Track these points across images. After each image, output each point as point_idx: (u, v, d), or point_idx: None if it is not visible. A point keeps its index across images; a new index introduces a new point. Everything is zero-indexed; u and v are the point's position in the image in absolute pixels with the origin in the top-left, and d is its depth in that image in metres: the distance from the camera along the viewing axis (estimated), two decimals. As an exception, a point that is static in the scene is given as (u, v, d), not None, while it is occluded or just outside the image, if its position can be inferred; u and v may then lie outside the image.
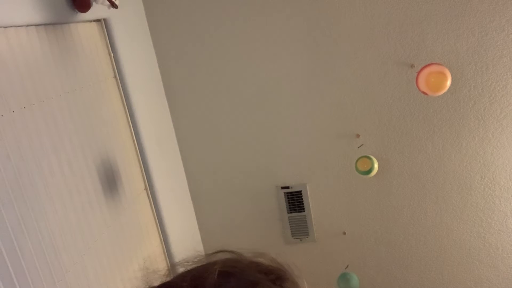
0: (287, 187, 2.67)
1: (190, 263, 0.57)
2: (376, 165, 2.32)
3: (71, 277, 1.59)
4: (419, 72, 2.10)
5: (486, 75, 2.28)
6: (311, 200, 2.68)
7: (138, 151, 2.21)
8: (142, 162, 2.22)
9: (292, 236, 2.76)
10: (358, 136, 2.50)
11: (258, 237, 2.78)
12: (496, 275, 2.63)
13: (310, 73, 2.44)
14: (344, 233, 2.71)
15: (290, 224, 2.74)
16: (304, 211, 2.69)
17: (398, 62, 2.33)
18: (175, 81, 2.55)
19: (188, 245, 2.62)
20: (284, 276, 0.53)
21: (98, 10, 1.86)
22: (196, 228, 2.83)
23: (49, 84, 1.62)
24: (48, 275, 1.47)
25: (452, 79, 2.10)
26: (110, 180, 1.93)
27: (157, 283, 0.55)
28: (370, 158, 2.33)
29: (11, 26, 1.45)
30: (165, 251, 2.34)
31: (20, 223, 1.37)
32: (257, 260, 0.56)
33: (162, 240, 2.33)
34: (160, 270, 0.59)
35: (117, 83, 2.10)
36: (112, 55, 2.06)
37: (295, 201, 2.68)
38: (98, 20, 2.00)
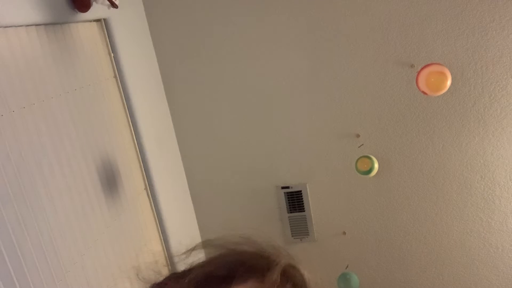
0: (287, 187, 2.67)
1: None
2: (376, 165, 2.32)
3: (71, 277, 1.59)
4: (419, 72, 2.10)
5: (486, 75, 2.28)
6: (311, 200, 2.68)
7: (138, 151, 2.21)
8: (142, 162, 2.22)
9: (292, 236, 2.76)
10: (358, 136, 2.50)
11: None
12: (496, 275, 2.63)
13: (310, 73, 2.44)
14: (344, 233, 2.71)
15: (290, 224, 2.74)
16: (304, 211, 2.69)
17: (398, 62, 2.33)
18: (175, 81, 2.55)
19: (188, 245, 2.62)
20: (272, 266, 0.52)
21: (98, 10, 1.86)
22: (196, 228, 2.83)
23: (49, 84, 1.62)
24: (48, 275, 1.47)
25: (452, 79, 2.10)
26: (110, 180, 1.93)
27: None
28: (370, 158, 2.33)
29: (11, 26, 1.45)
30: (165, 251, 2.34)
31: (20, 223, 1.37)
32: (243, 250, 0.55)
33: (162, 240, 2.33)
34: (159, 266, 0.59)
35: (117, 83, 2.10)
36: (112, 55, 2.06)
37: (295, 201, 2.68)
38: (98, 20, 2.00)
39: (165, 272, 0.57)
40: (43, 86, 1.58)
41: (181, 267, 0.57)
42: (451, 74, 2.09)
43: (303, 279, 0.54)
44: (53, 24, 1.67)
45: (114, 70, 2.08)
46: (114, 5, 1.80)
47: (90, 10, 1.75)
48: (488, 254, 2.59)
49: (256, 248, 0.55)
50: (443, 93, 2.14)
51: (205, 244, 0.57)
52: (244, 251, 0.54)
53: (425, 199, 2.56)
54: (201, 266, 0.54)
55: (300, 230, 2.74)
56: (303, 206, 2.69)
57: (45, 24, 1.62)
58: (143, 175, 2.24)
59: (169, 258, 2.35)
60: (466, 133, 2.40)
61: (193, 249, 0.58)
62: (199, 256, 0.57)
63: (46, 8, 1.58)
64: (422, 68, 2.09)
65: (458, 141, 2.42)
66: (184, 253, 0.59)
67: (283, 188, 2.67)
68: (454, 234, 2.60)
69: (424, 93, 2.11)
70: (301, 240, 2.76)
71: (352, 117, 2.47)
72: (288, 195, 2.68)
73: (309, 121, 2.52)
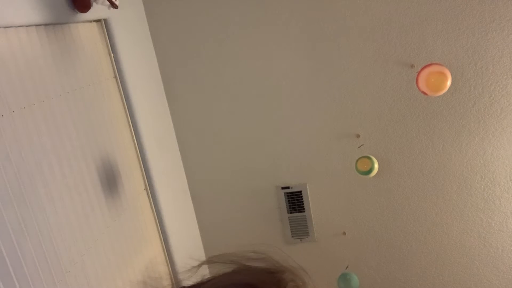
0: (287, 187, 2.67)
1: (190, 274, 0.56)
2: (376, 165, 2.32)
3: (71, 277, 1.59)
4: (419, 72, 2.10)
5: (486, 75, 2.28)
6: (311, 200, 2.68)
7: (138, 151, 2.21)
8: (142, 162, 2.22)
9: (292, 236, 2.76)
10: (358, 136, 2.50)
11: (258, 237, 2.78)
12: (496, 275, 2.63)
13: (310, 73, 2.44)
14: (344, 233, 2.71)
15: (290, 224, 2.73)
16: (304, 211, 2.69)
17: (398, 62, 2.33)
18: (175, 81, 2.55)
19: (188, 245, 2.62)
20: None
21: (98, 10, 1.86)
22: (196, 228, 2.83)
23: (49, 84, 1.62)
24: (48, 275, 1.47)
25: (452, 79, 2.10)
26: (110, 180, 1.93)
27: None
28: (370, 158, 2.33)
29: (11, 26, 1.45)
30: (165, 251, 2.34)
31: (20, 223, 1.37)
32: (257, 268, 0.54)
33: (162, 240, 2.33)
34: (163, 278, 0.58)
35: (117, 83, 2.10)
36: (112, 55, 2.06)
37: (295, 201, 2.68)
38: (98, 20, 2.00)
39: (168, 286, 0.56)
40: (43, 86, 1.58)
41: (188, 281, 0.56)
42: (451, 74, 2.09)
43: None
44: (53, 24, 1.67)
45: (114, 70, 2.08)
46: (114, 6, 1.80)
47: (90, 10, 1.75)
48: (488, 254, 2.59)
49: (269, 265, 0.54)
50: (443, 93, 2.14)
51: (215, 259, 0.56)
52: (254, 269, 0.54)
53: (425, 199, 2.56)
54: (210, 282, 0.53)
55: (300, 230, 2.74)
56: (303, 206, 2.69)
57: (45, 24, 1.62)
58: (143, 175, 2.24)
59: (169, 257, 2.35)
60: (466, 133, 2.40)
61: (203, 264, 0.57)
62: (206, 271, 0.56)
63: (46, 9, 1.58)
64: (422, 68, 2.09)
65: (458, 141, 2.42)
66: (193, 268, 0.58)
67: (283, 188, 2.67)
68: (454, 234, 2.60)
69: (424, 93, 2.11)
70: (301, 240, 2.76)
71: (352, 117, 2.47)
72: (288, 195, 2.68)
73: (309, 121, 2.52)
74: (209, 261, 0.56)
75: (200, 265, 0.57)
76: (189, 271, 0.57)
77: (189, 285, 0.55)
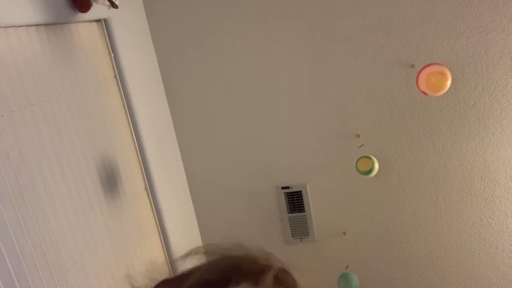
0: (287, 187, 2.67)
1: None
2: (376, 165, 2.32)
3: (71, 277, 1.59)
4: (419, 72, 2.10)
5: (486, 75, 2.28)
6: (311, 200, 2.68)
7: (138, 151, 2.21)
8: (142, 162, 2.22)
9: (292, 236, 2.76)
10: (358, 136, 2.50)
11: (258, 237, 2.78)
12: (496, 275, 2.63)
13: (310, 73, 2.44)
14: (344, 233, 2.71)
15: (290, 224, 2.74)
16: (304, 211, 2.69)
17: (398, 62, 2.33)
18: (175, 81, 2.55)
19: (188, 245, 2.62)
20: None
21: (98, 10, 1.86)
22: (196, 228, 2.83)
23: (49, 84, 1.62)
24: (48, 275, 1.47)
25: (452, 79, 2.10)
26: (110, 180, 1.93)
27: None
28: (370, 158, 2.33)
29: (11, 26, 1.45)
30: (165, 251, 2.34)
31: (20, 223, 1.37)
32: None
33: (162, 240, 2.33)
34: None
35: (117, 83, 2.10)
36: (112, 55, 2.06)
37: (295, 201, 2.68)
38: (98, 20, 2.00)
39: (162, 277, 0.57)
40: (43, 86, 1.58)
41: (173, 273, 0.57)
42: (451, 74, 2.09)
43: (295, 283, 0.55)
44: (53, 24, 1.67)
45: (114, 70, 2.08)
46: (114, 5, 1.80)
47: (90, 10, 1.75)
48: (488, 254, 2.59)
49: (248, 254, 0.56)
50: (443, 93, 2.14)
51: (198, 251, 0.58)
52: (237, 256, 0.55)
53: (425, 199, 2.56)
54: (196, 271, 0.54)
55: (300, 230, 2.74)
56: (303, 206, 2.69)
57: (45, 24, 1.62)
58: (143, 175, 2.24)
59: (169, 257, 2.35)
60: (466, 134, 2.40)
61: (187, 255, 0.58)
62: (189, 262, 0.57)
63: (46, 8, 1.58)
64: (422, 68, 2.09)
65: (458, 141, 2.42)
66: (178, 260, 0.59)
67: (283, 188, 2.67)
68: (454, 234, 2.60)
69: (424, 93, 2.11)
70: (301, 240, 2.76)
71: (352, 117, 2.47)
72: (288, 195, 2.68)
73: (309, 121, 2.52)
74: (192, 252, 0.58)
75: (185, 257, 0.58)
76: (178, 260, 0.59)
77: (173, 276, 0.56)
